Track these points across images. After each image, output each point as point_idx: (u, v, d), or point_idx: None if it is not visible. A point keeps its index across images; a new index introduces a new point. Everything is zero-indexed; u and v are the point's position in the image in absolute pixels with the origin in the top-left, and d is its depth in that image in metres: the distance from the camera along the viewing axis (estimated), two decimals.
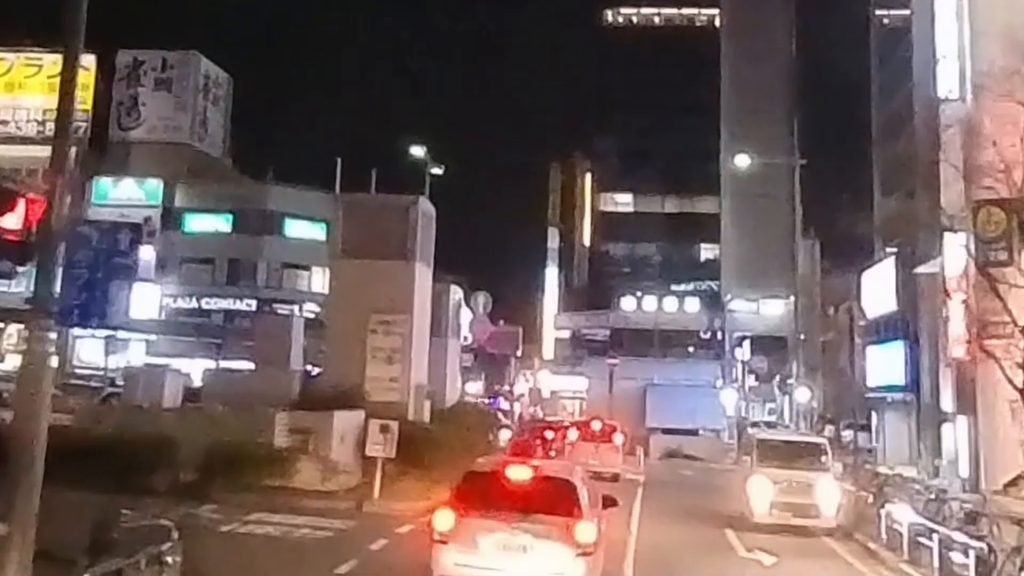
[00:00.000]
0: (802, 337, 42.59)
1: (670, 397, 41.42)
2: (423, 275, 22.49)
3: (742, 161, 35.39)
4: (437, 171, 36.06)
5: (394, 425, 17.40)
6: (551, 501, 9.64)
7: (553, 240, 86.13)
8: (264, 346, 24.93)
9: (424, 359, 22.80)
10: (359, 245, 21.82)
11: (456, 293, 28.36)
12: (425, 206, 22.69)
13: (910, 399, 36.40)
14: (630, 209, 73.66)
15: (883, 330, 40.72)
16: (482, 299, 30.26)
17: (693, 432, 40.45)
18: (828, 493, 17.83)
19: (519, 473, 10.00)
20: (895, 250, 39.30)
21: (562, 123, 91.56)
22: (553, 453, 25.65)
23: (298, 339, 22.24)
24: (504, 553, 9.35)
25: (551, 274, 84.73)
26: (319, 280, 48.46)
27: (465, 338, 68.86)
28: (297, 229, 54.79)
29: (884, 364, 40.28)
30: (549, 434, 36.34)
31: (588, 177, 77.28)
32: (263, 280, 55.33)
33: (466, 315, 33.83)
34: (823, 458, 18.70)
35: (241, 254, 55.55)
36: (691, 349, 64.91)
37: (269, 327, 25.90)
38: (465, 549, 9.43)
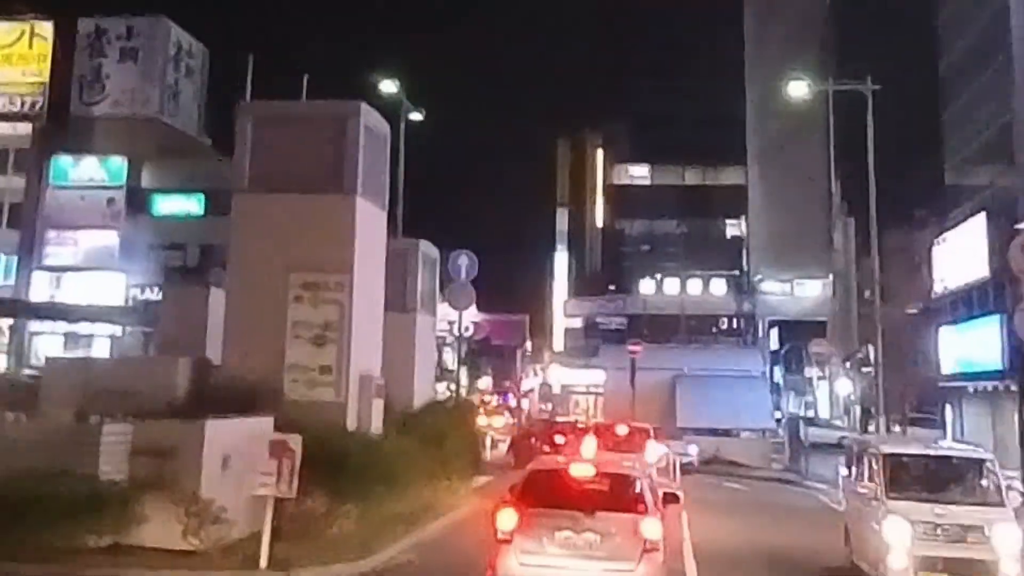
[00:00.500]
0: (875, 318, 35.19)
1: (705, 390, 34.40)
2: (371, 219, 15.49)
3: (798, 90, 28.18)
4: (417, 116, 29.76)
5: (295, 442, 10.53)
6: (616, 498, 9.73)
7: (562, 222, 79.67)
8: (170, 327, 18.18)
9: (375, 340, 15.87)
10: (274, 173, 14.91)
11: (429, 251, 21.42)
12: (372, 120, 15.71)
13: (1003, 387, 29.29)
14: (647, 182, 66.53)
15: (964, 306, 33.88)
16: (465, 261, 23.15)
17: (731, 433, 33.48)
18: (1011, 541, 10.91)
19: (583, 470, 10.06)
20: (981, 208, 32.38)
21: (569, 94, 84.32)
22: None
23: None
24: (570, 551, 9.26)
25: (561, 259, 78.18)
26: None
27: (467, 328, 62.11)
28: None
29: (967, 346, 33.41)
30: (560, 438, 29.51)
31: (600, 154, 70.10)
32: None
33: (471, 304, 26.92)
34: (990, 483, 11.78)
35: (215, 239, 49.37)
36: (718, 337, 58.08)
37: (179, 302, 18.95)
38: (530, 548, 9.33)
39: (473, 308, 62.69)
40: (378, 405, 15.59)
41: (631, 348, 35.27)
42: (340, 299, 14.58)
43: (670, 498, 10.87)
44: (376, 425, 15.41)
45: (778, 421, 36.50)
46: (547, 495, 9.62)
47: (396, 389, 17.27)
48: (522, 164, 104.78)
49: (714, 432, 33.19)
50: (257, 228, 14.78)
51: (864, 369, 37.90)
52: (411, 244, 20.16)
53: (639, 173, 66.86)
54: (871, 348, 32.40)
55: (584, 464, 10.27)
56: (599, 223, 70.53)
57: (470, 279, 23.27)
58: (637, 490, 9.85)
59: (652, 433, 22.34)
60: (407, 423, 17.07)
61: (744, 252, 61.97)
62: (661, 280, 60.39)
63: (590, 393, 59.84)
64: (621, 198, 65.35)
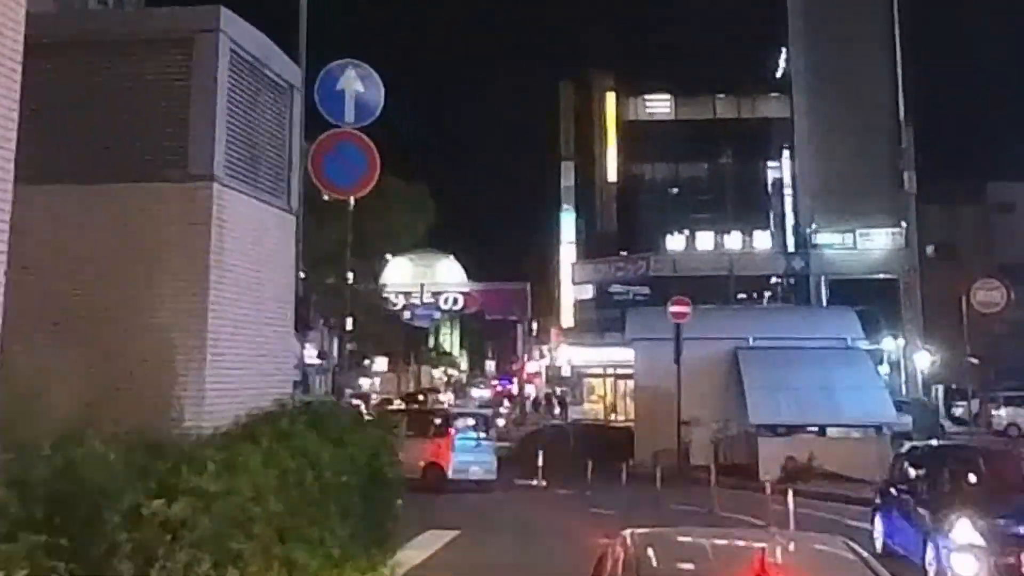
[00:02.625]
0: None
1: (783, 369, 23.48)
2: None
3: None
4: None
5: None
6: None
7: (568, 177, 68.42)
8: None
9: None
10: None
11: (261, 50, 9.69)
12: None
13: None
14: (669, 116, 55.09)
15: None
16: (353, 78, 11.19)
17: (828, 430, 22.51)
18: None
19: None
20: None
21: (570, 24, 72.02)
22: None
23: None
24: None
25: (567, 221, 67.00)
26: None
27: (454, 300, 50.83)
28: None
29: None
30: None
31: (611, 98, 58.44)
32: None
33: None
34: None
35: None
36: (764, 301, 47.06)
37: None
38: None
39: (461, 275, 51.69)
40: None
41: (675, 310, 24.23)
42: None
43: None
44: None
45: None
46: None
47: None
48: (519, 113, 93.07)
49: (802, 430, 22.25)
50: None
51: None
52: (197, 16, 8.70)
53: (660, 105, 55.36)
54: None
55: None
56: (611, 177, 59.05)
57: (367, 119, 11.53)
58: None
59: None
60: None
61: (792, 198, 50.68)
62: (692, 234, 49.21)
63: (608, 375, 48.93)
64: (638, 138, 53.87)
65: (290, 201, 10.01)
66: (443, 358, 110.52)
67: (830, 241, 47.79)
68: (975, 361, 38.45)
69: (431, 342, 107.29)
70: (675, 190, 52.02)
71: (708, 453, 24.39)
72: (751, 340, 25.47)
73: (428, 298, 51.18)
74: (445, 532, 13.02)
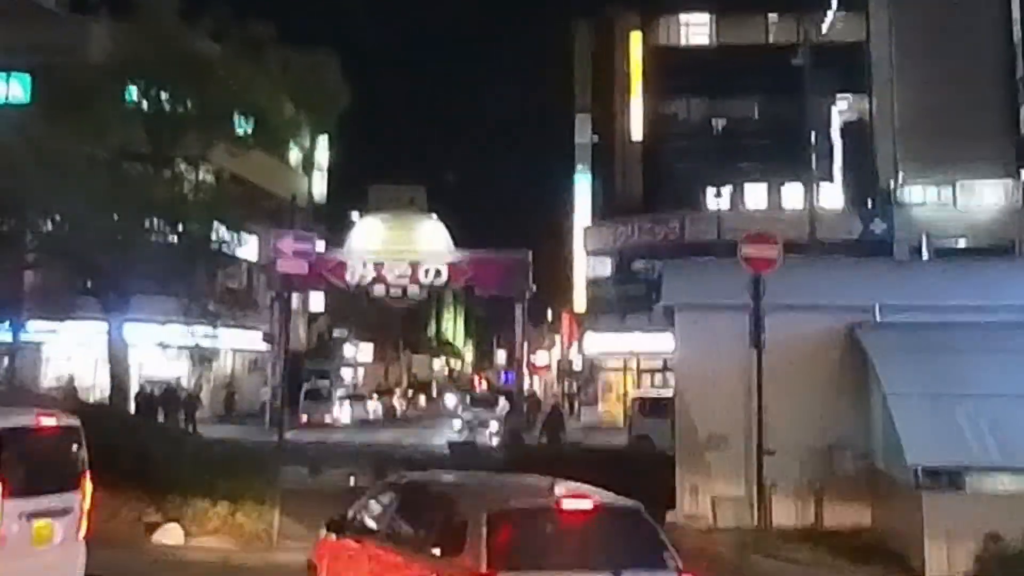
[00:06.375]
0: None
1: (958, 364, 12.64)
2: None
3: None
4: None
5: None
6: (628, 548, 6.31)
7: (583, 132, 57.70)
8: None
9: None
10: None
11: None
12: None
13: None
14: (708, 40, 43.98)
15: None
16: None
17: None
18: None
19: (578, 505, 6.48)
20: None
21: None
22: None
23: None
24: None
25: (582, 183, 56.37)
26: None
27: (436, 273, 42.26)
28: None
29: None
30: None
31: (636, 39, 47.29)
32: None
33: None
34: None
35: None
36: None
37: None
38: None
39: (446, 243, 41.08)
40: None
41: (753, 252, 13.57)
42: None
43: None
44: None
45: None
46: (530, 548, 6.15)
47: None
48: (526, 60, 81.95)
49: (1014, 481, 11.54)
50: None
51: None
52: None
53: (696, 28, 44.16)
54: None
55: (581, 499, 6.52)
56: (635, 133, 48.06)
57: None
58: (655, 534, 6.54)
59: None
60: None
61: (869, 144, 39.76)
62: (739, 188, 38.46)
63: (630, 368, 38.59)
64: (669, 69, 42.72)
65: None
66: (445, 347, 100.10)
67: (920, 197, 37.01)
68: None
69: (432, 329, 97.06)
70: (719, 128, 40.86)
71: (795, 505, 14.06)
72: (876, 309, 14.64)
73: (404, 269, 40.53)
74: None
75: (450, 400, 56.39)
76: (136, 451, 12.57)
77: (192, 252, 21.16)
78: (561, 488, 6.89)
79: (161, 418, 28.68)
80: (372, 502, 8.23)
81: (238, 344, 39.81)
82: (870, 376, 13.92)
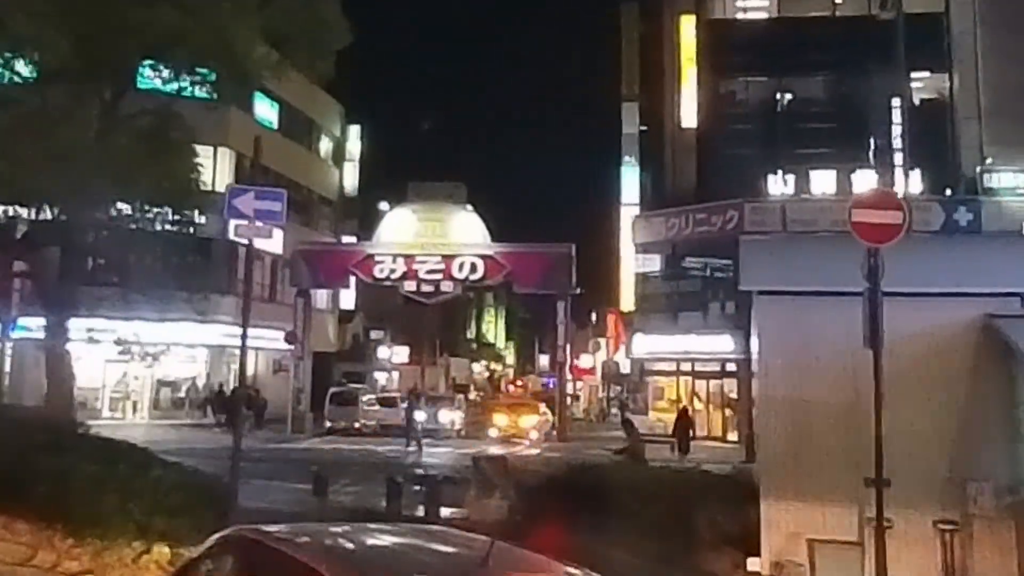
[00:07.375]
0: None
1: None
2: None
3: None
4: None
5: None
6: None
7: (631, 122, 54.73)
8: None
9: None
10: None
11: None
12: None
13: None
14: (769, 13, 40.30)
15: None
16: None
17: None
18: None
19: None
20: None
21: None
22: None
23: None
24: None
25: (630, 176, 53.31)
26: None
27: (474, 265, 39.39)
28: None
29: None
30: None
31: (688, 22, 43.66)
32: None
33: None
34: None
35: None
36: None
37: None
38: None
39: (482, 235, 38.14)
40: None
41: (866, 218, 10.14)
42: None
43: None
44: None
45: None
46: None
47: None
48: (570, 49, 78.65)
49: None
50: None
51: None
52: None
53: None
54: None
55: None
56: (687, 120, 44.38)
57: None
58: None
59: None
60: None
61: (950, 126, 36.00)
62: (805, 174, 34.97)
63: (684, 373, 35.31)
64: (725, 44, 39.11)
65: None
66: (485, 350, 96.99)
67: (1011, 184, 33.24)
68: None
69: (471, 331, 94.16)
70: (783, 106, 37.23)
71: (917, 553, 10.80)
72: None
73: (436, 263, 37.67)
74: None
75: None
76: (61, 470, 9.59)
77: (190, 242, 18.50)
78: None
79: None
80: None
81: (260, 344, 37.14)
82: (1018, 381, 10.54)
